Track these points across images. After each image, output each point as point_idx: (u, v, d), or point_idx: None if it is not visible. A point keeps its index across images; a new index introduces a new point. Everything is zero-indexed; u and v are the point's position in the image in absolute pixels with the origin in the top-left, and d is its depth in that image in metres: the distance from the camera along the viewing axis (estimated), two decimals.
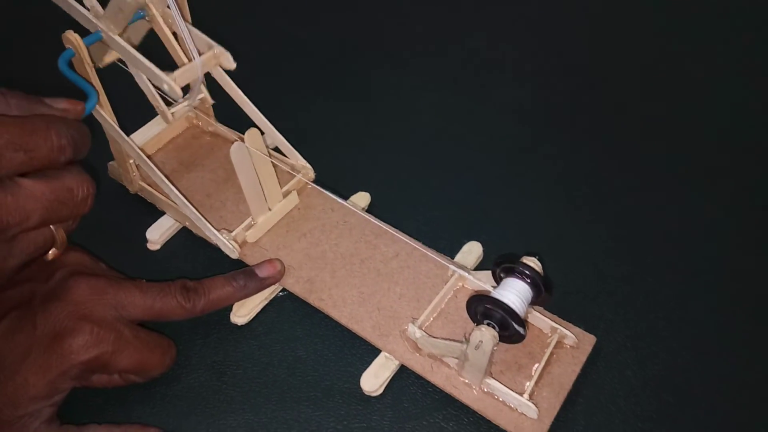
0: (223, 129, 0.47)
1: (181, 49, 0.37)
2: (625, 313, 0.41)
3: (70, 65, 0.36)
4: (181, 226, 0.44)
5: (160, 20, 0.36)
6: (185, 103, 0.38)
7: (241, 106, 0.43)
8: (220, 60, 0.37)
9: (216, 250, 0.42)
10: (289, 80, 0.56)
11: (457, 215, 0.46)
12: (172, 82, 0.34)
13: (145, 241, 0.43)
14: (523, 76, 0.58)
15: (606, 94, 0.56)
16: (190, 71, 0.35)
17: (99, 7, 0.36)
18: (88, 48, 0.35)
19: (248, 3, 0.64)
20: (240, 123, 0.44)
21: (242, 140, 0.39)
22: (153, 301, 0.35)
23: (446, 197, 0.47)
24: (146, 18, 0.37)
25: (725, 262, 0.43)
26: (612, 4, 0.65)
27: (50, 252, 0.33)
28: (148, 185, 0.44)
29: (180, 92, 0.34)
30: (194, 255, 0.43)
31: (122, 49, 0.35)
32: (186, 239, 0.44)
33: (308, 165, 0.45)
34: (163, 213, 0.44)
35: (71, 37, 0.35)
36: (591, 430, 0.35)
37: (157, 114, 0.38)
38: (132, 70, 0.37)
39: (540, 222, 0.46)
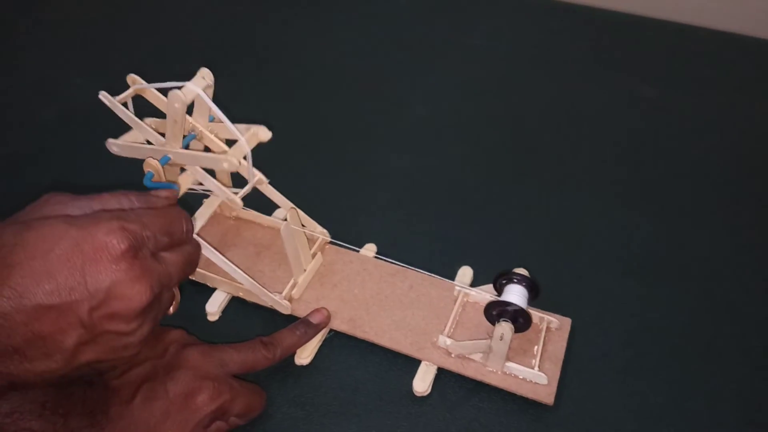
0: (243, 212, 0.57)
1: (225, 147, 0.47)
2: (586, 299, 0.54)
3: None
4: (230, 297, 0.53)
5: (208, 133, 0.46)
6: (249, 186, 0.48)
7: (261, 189, 0.53)
8: (259, 136, 0.46)
9: (265, 311, 0.52)
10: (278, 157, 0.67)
11: (443, 249, 0.58)
12: (232, 159, 0.44)
13: (204, 314, 0.52)
14: (464, 132, 0.72)
15: (529, 137, 0.71)
16: (239, 148, 0.45)
17: (161, 138, 0.45)
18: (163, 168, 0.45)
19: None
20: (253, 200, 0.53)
21: (251, 216, 0.52)
22: (245, 356, 0.44)
23: (432, 237, 0.60)
24: (197, 137, 0.47)
25: (656, 254, 0.59)
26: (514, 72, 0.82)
27: (171, 308, 0.42)
28: (200, 268, 0.52)
29: (237, 163, 0.44)
30: (247, 318, 0.52)
31: (185, 155, 0.45)
32: (237, 307, 0.53)
33: (324, 230, 0.56)
34: (213, 290, 0.53)
35: (152, 162, 0.44)
36: (583, 385, 0.48)
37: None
38: (196, 174, 0.46)
39: (507, 244, 0.59)
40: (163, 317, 0.40)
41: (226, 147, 0.46)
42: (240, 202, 0.47)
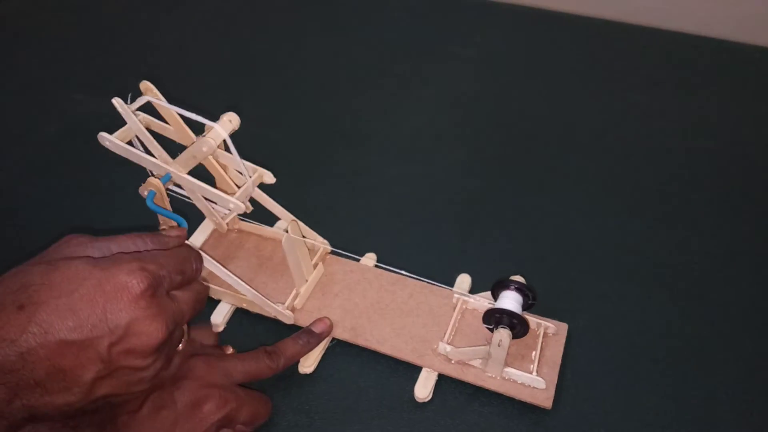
0: (244, 224, 0.59)
1: (228, 177, 0.49)
2: (582, 304, 0.56)
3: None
4: (235, 308, 0.54)
5: (212, 159, 0.48)
6: (234, 213, 0.49)
7: (261, 202, 0.54)
8: (263, 178, 0.48)
9: (268, 321, 0.53)
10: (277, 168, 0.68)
11: (442, 257, 0.60)
12: (238, 202, 0.45)
13: (209, 326, 0.53)
14: (460, 141, 0.73)
15: (524, 145, 0.73)
16: (245, 191, 0.47)
17: (167, 155, 0.47)
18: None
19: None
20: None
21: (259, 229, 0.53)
22: (249, 366, 0.46)
23: (431, 245, 0.61)
24: None
25: (650, 258, 0.60)
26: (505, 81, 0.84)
27: (180, 344, 0.42)
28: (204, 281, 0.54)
29: (243, 207, 0.46)
30: (251, 329, 0.53)
31: (191, 183, 0.46)
32: (241, 318, 0.54)
33: (325, 240, 0.57)
34: (217, 301, 0.54)
35: (154, 181, 0.46)
36: (581, 388, 0.49)
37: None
38: (191, 195, 0.48)
39: (504, 251, 0.61)
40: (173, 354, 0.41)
41: (236, 187, 0.49)
42: (225, 226, 0.50)
